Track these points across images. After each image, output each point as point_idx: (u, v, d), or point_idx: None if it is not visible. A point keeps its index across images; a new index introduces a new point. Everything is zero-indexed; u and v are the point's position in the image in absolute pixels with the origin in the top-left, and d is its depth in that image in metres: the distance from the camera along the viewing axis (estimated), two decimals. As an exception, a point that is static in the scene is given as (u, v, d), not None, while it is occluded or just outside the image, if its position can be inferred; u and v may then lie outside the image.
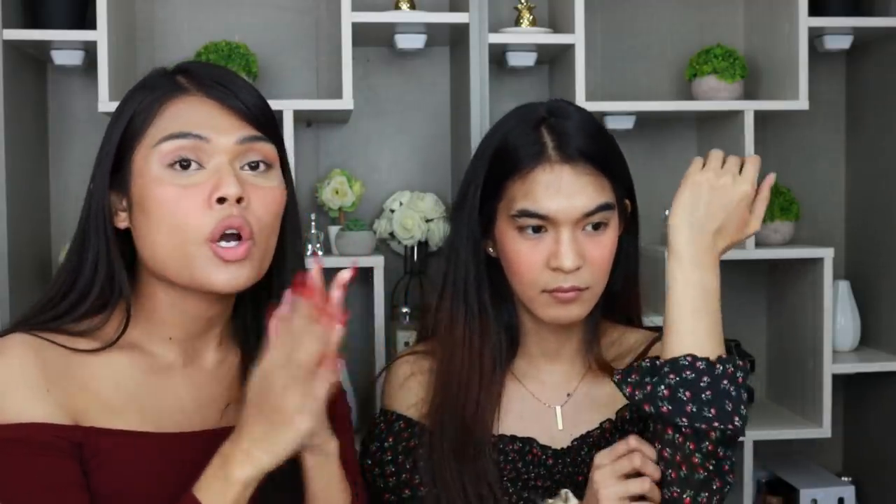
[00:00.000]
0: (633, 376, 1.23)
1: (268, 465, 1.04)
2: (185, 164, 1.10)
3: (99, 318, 1.15)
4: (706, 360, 1.20)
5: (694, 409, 1.18)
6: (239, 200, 1.09)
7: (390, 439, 1.34)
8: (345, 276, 1.02)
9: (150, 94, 1.14)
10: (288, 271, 1.20)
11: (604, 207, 1.29)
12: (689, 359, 1.20)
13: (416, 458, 1.32)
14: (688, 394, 1.18)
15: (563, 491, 1.26)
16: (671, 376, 1.19)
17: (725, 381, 1.19)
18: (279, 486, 1.14)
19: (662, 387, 1.19)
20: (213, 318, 1.19)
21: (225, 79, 1.16)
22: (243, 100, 1.14)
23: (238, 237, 1.10)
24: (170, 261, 1.11)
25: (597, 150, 1.30)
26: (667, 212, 2.20)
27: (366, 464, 1.35)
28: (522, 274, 1.30)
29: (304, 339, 1.00)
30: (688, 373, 1.19)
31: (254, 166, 1.14)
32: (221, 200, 1.09)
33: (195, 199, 1.09)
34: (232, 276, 1.10)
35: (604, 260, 1.30)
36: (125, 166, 1.13)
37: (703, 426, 1.18)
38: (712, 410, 1.18)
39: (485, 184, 1.33)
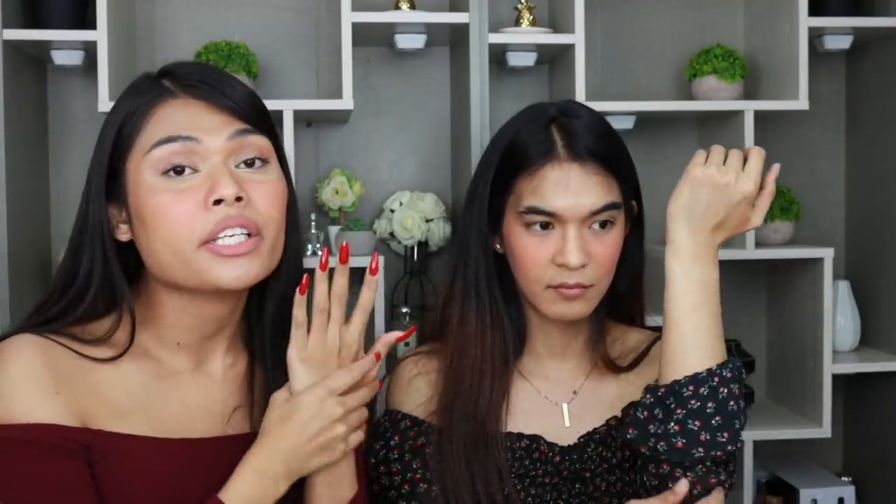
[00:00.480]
0: (650, 426, 1.22)
1: (298, 478, 1.11)
2: (178, 170, 1.09)
3: (105, 325, 1.14)
4: (707, 381, 1.21)
5: (708, 437, 1.20)
6: (239, 199, 1.09)
7: (396, 437, 1.34)
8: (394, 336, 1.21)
9: (135, 101, 1.12)
10: (284, 271, 1.19)
11: (611, 206, 1.30)
12: (690, 388, 1.21)
13: (425, 456, 1.32)
14: (697, 423, 1.20)
15: None
16: (678, 411, 1.20)
17: (731, 403, 1.21)
18: None
19: (672, 423, 1.20)
20: (223, 318, 1.18)
21: (210, 77, 1.14)
22: (230, 96, 1.13)
23: (244, 235, 1.10)
24: (173, 267, 1.10)
25: (605, 149, 1.32)
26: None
27: (369, 462, 1.35)
28: (528, 269, 1.31)
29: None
30: (693, 402, 1.20)
31: (249, 163, 1.13)
32: (218, 202, 1.08)
33: (190, 203, 1.08)
34: (241, 271, 1.10)
35: (609, 258, 1.32)
36: (120, 178, 1.12)
37: (719, 452, 1.19)
38: (724, 434, 1.20)
39: (494, 180, 1.34)
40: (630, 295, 1.43)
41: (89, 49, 1.97)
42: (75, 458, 1.05)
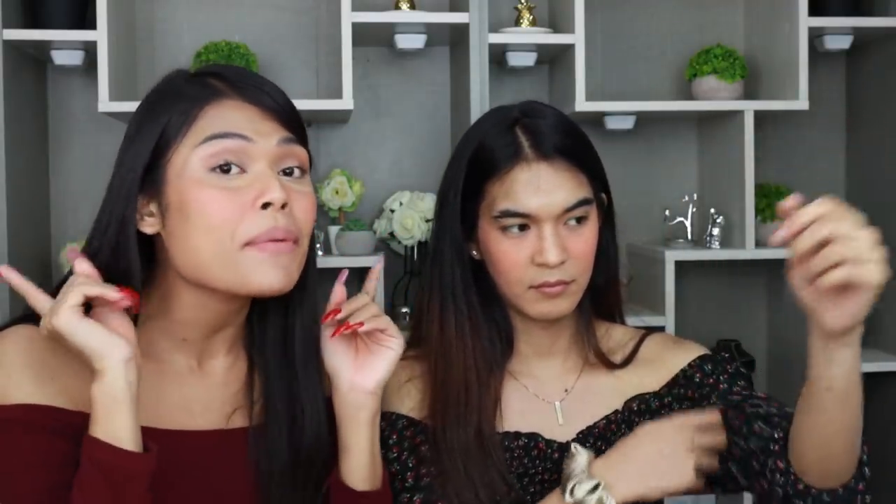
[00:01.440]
0: None
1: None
2: (225, 168, 1.09)
3: None
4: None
5: None
6: (283, 206, 1.09)
7: (394, 436, 1.34)
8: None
9: (182, 100, 1.12)
10: (310, 282, 1.20)
11: (583, 202, 1.31)
12: None
13: (421, 455, 1.33)
14: None
15: (573, 445, 1.27)
16: None
17: None
18: (295, 462, 1.19)
19: None
20: (231, 314, 1.19)
21: (257, 81, 1.16)
22: (278, 101, 1.14)
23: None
24: (211, 266, 1.10)
25: (572, 146, 1.32)
26: (667, 211, 2.22)
27: None
28: (508, 272, 1.31)
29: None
30: None
31: (289, 172, 1.14)
32: (266, 206, 1.09)
33: (238, 202, 1.08)
34: (282, 274, 1.10)
35: (586, 253, 1.32)
36: (157, 171, 1.11)
37: None
38: None
39: (464, 188, 1.34)
40: (608, 289, 1.43)
41: (89, 49, 1.97)
42: (68, 439, 1.05)
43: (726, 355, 1.45)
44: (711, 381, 1.37)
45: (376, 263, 1.27)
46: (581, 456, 1.26)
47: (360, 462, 1.19)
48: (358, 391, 1.19)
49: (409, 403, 1.37)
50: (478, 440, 1.31)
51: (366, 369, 1.19)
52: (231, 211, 1.08)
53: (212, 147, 1.09)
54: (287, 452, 1.19)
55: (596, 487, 1.23)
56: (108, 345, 1.02)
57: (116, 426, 1.01)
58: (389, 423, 1.36)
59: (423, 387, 1.37)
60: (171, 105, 1.12)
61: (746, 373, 1.42)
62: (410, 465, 1.32)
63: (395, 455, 1.33)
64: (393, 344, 1.20)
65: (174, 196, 1.10)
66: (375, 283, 1.25)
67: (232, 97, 1.12)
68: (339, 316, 1.18)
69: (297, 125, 1.16)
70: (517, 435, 1.35)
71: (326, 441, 1.21)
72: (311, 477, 1.20)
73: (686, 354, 1.41)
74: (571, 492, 1.23)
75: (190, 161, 1.09)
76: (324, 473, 1.21)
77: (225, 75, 1.15)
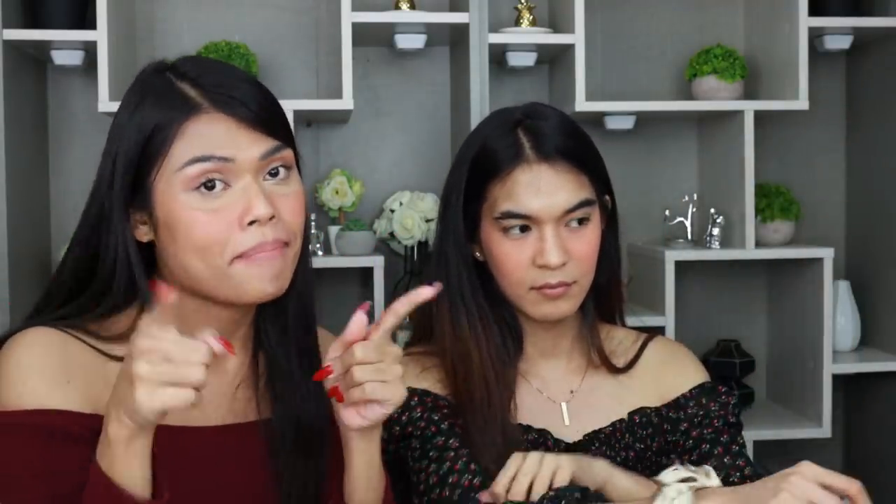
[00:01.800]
0: None
1: (130, 426, 0.96)
2: (209, 186, 1.09)
3: (124, 322, 1.14)
4: None
5: None
6: (271, 217, 1.10)
7: (415, 398, 1.34)
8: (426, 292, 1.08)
9: (163, 114, 1.10)
10: (300, 276, 1.20)
11: (585, 203, 1.32)
12: None
13: (446, 412, 1.32)
14: None
15: (705, 468, 1.17)
16: None
17: None
18: (305, 454, 1.18)
19: None
20: (240, 318, 1.19)
21: (233, 87, 1.13)
22: (255, 108, 1.12)
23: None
24: (207, 279, 1.11)
25: (573, 147, 1.33)
26: (667, 212, 2.22)
27: (394, 431, 1.32)
28: (510, 273, 1.32)
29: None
30: None
31: (274, 173, 1.13)
32: (253, 222, 1.09)
33: (224, 221, 1.09)
34: (275, 279, 1.11)
35: (588, 254, 1.33)
36: (144, 188, 1.11)
37: None
38: None
39: (466, 189, 1.35)
40: (609, 290, 1.43)
41: (89, 49, 1.97)
42: (81, 443, 1.05)
43: (723, 389, 1.43)
44: (702, 418, 1.38)
45: (429, 288, 1.08)
46: (710, 479, 1.15)
47: (354, 482, 1.15)
48: (343, 424, 1.11)
49: (426, 384, 1.37)
50: (503, 437, 1.31)
51: (354, 409, 1.10)
52: (218, 230, 1.09)
53: (194, 169, 1.08)
54: (295, 442, 1.19)
55: (688, 480, 1.13)
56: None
57: (128, 469, 0.97)
58: (408, 395, 1.35)
59: (439, 375, 1.37)
60: (151, 122, 1.10)
61: (738, 420, 1.41)
62: (436, 417, 1.32)
63: (419, 414, 1.33)
64: (387, 407, 1.09)
65: (163, 216, 1.10)
66: (407, 308, 1.09)
67: (209, 111, 1.10)
68: (331, 376, 1.09)
69: (278, 127, 1.14)
70: (528, 428, 1.36)
71: (329, 432, 1.21)
72: (317, 466, 1.20)
73: (685, 379, 1.42)
74: (674, 469, 1.16)
75: (173, 183, 1.09)
76: (326, 467, 1.21)
77: (200, 82, 1.12)
